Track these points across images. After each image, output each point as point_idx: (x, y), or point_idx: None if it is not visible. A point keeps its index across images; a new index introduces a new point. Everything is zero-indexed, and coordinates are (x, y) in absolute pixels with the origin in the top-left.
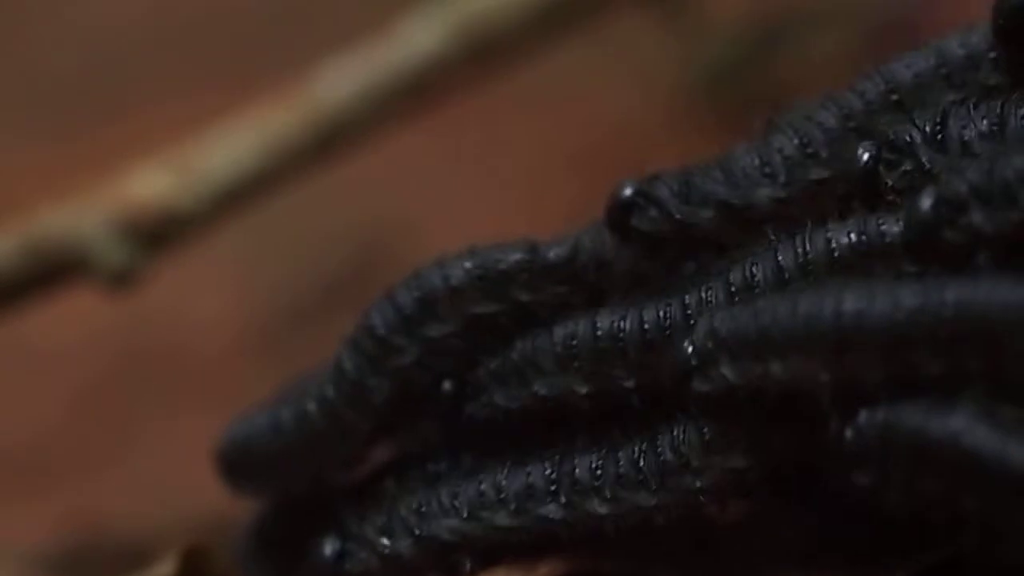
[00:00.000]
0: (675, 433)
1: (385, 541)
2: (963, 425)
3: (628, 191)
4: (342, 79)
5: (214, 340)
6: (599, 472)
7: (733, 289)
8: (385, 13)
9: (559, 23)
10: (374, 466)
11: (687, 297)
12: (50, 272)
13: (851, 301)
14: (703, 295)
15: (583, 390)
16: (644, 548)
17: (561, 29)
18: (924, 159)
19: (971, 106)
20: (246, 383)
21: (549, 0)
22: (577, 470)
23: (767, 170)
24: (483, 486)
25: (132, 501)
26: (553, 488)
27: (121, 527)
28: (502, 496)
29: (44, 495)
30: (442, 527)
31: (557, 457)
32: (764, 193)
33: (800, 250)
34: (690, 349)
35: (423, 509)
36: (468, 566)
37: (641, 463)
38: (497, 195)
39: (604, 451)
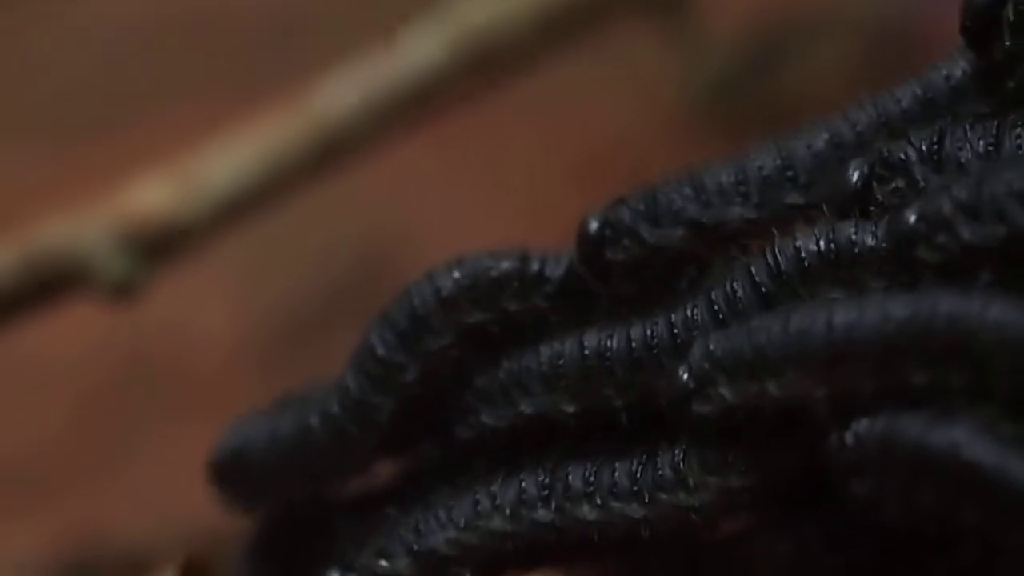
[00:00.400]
0: (675, 452)
1: (383, 563)
2: (964, 437)
3: (595, 225)
4: (344, 91)
5: (215, 351)
6: (592, 479)
7: (716, 307)
8: (387, 25)
9: (560, 35)
10: (374, 490)
11: (673, 316)
12: (51, 284)
13: (841, 314)
14: (688, 313)
15: (570, 409)
16: (638, 560)
17: (562, 41)
18: (919, 177)
19: (967, 127)
20: (247, 394)
21: (550, 12)
22: (570, 477)
23: (742, 189)
24: (478, 496)
25: (132, 513)
26: (545, 494)
27: (121, 539)
28: (497, 503)
29: (44, 507)
30: (439, 540)
31: (551, 466)
32: (736, 212)
33: (772, 263)
34: (686, 373)
35: (420, 527)
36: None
37: (638, 475)
38: (499, 206)
39: (600, 461)
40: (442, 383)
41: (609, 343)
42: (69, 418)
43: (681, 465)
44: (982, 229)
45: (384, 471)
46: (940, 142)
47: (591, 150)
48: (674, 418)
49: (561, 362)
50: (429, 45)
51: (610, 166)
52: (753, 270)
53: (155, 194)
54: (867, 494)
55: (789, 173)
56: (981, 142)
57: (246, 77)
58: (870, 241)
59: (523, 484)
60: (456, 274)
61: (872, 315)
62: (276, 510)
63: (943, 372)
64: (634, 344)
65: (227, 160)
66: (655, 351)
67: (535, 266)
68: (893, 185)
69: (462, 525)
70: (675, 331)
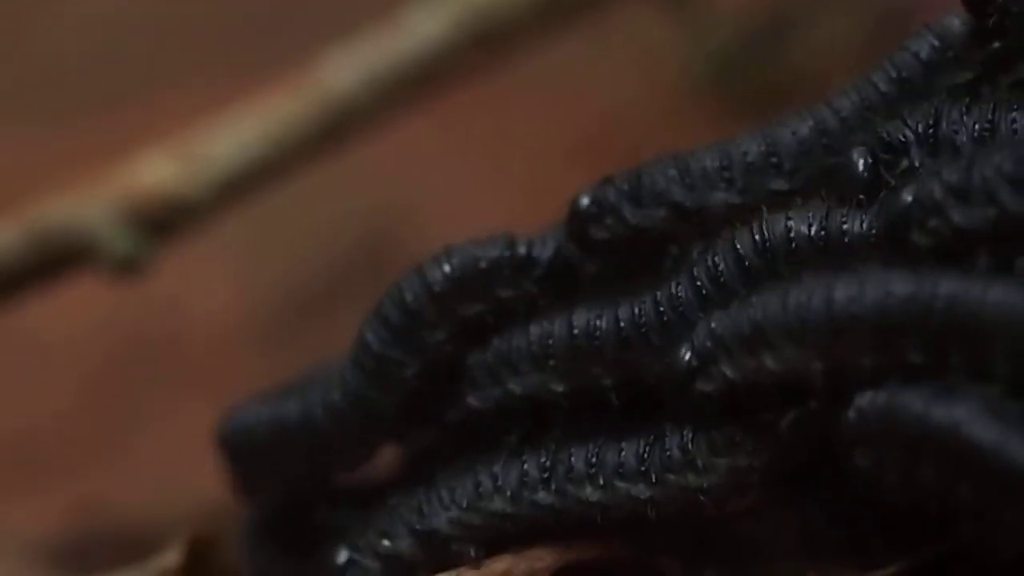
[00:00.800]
0: (684, 433)
1: (385, 543)
2: (965, 415)
3: (585, 201)
4: (347, 67)
5: (219, 328)
6: (595, 461)
7: (699, 283)
8: (390, 2)
9: (564, 11)
10: (378, 473)
11: (658, 294)
12: (54, 261)
13: (842, 289)
14: (673, 290)
15: (560, 388)
16: (644, 538)
17: (565, 18)
18: (916, 159)
19: (963, 109)
20: (251, 371)
21: None
22: (573, 458)
23: (726, 174)
24: (480, 477)
25: (137, 490)
26: (546, 476)
27: (126, 516)
28: (499, 484)
29: (49, 485)
30: (441, 520)
31: (553, 446)
32: (719, 197)
33: (759, 238)
34: (689, 352)
35: (423, 508)
36: (472, 553)
37: (645, 456)
38: (502, 183)
39: (602, 442)
40: (441, 373)
41: (598, 323)
42: (72, 396)
43: (690, 446)
44: (972, 212)
45: (387, 453)
46: (936, 124)
47: (594, 127)
48: (677, 398)
49: (550, 342)
50: (432, 22)
51: (613, 143)
52: (738, 244)
53: (159, 171)
54: (869, 467)
55: (773, 159)
56: (976, 125)
57: (250, 54)
58: (862, 227)
59: (525, 466)
60: (446, 267)
61: (873, 291)
62: (281, 492)
63: (943, 351)
64: (622, 323)
65: (231, 137)
66: (643, 330)
67: (523, 250)
68: (902, 167)
69: (464, 506)
70: (661, 309)
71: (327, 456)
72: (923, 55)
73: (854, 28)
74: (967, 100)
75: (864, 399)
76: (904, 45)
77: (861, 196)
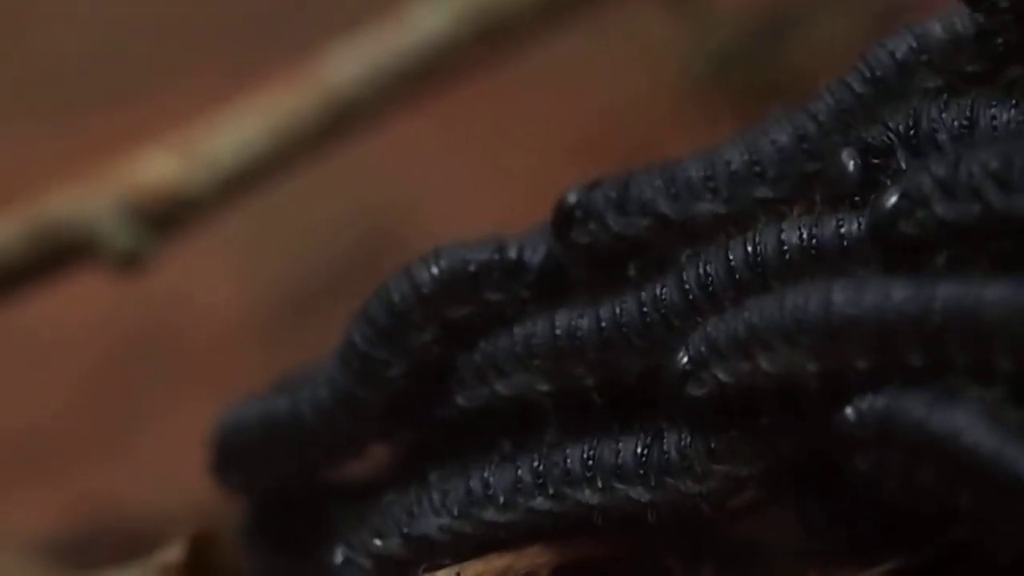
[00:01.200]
0: (681, 436)
1: (377, 542)
2: (964, 422)
3: (571, 200)
4: (349, 62)
5: (220, 324)
6: (591, 463)
7: (687, 287)
8: None
9: (565, 7)
10: (372, 470)
11: (643, 295)
12: (56, 256)
13: (840, 292)
14: (658, 292)
15: (544, 388)
16: (644, 536)
17: (568, 14)
18: (902, 162)
19: (942, 106)
20: (252, 367)
21: None
22: (568, 460)
23: (711, 184)
24: (471, 483)
25: (138, 486)
26: (541, 481)
27: (128, 513)
28: (490, 492)
29: (49, 481)
30: (432, 526)
31: (545, 449)
32: (705, 208)
33: (751, 249)
34: (685, 356)
35: (414, 510)
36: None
37: (643, 458)
38: (503, 180)
39: (598, 440)
40: (428, 373)
41: (579, 322)
42: (73, 392)
43: (687, 450)
44: (957, 207)
45: (381, 451)
46: (916, 124)
47: (595, 124)
48: (671, 402)
49: (533, 342)
50: (434, 18)
51: (614, 140)
52: (730, 255)
53: (161, 166)
54: (868, 470)
55: (756, 168)
56: (956, 122)
57: (251, 50)
58: (859, 228)
59: (519, 471)
60: (434, 269)
61: (872, 294)
62: (274, 490)
63: (943, 352)
64: (603, 323)
65: (233, 133)
66: (624, 330)
67: (513, 254)
68: (891, 168)
69: (455, 513)
70: (644, 310)
71: (315, 453)
72: (899, 55)
73: (854, 28)
74: (944, 97)
75: (864, 402)
76: (881, 43)
77: (856, 198)
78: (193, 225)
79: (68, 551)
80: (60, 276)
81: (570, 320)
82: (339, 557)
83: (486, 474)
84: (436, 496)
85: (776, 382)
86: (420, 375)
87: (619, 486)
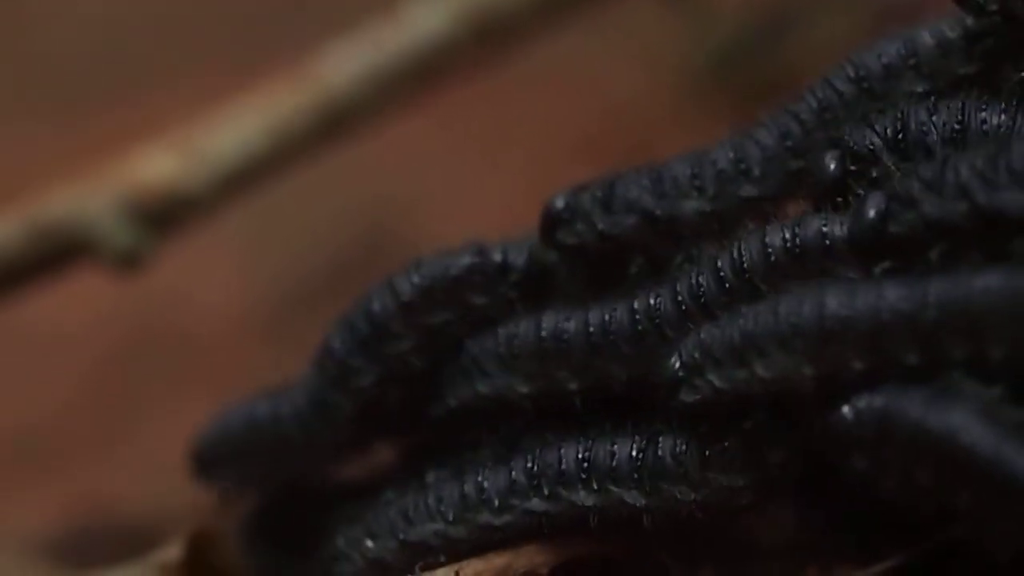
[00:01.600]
0: (677, 441)
1: (369, 544)
2: (962, 421)
3: (558, 204)
4: (348, 61)
5: (219, 322)
6: (586, 464)
7: (680, 299)
8: None
9: (564, 6)
10: (369, 470)
11: (636, 303)
12: (56, 254)
13: (833, 296)
14: (652, 302)
15: (524, 389)
16: (641, 537)
17: (567, 12)
18: (889, 165)
19: (930, 109)
20: (252, 365)
21: None
22: (563, 461)
23: (697, 182)
24: (466, 487)
25: (138, 484)
26: (535, 482)
27: (127, 511)
28: (484, 496)
29: (49, 480)
30: (427, 532)
31: (538, 450)
32: (691, 206)
33: (737, 257)
34: (678, 362)
35: (410, 513)
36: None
37: (638, 460)
38: (502, 178)
39: (592, 441)
40: (406, 381)
41: (566, 326)
42: (73, 390)
43: (683, 457)
44: (944, 205)
45: (381, 450)
46: (904, 128)
47: (595, 122)
48: (665, 408)
49: (517, 343)
50: (433, 17)
51: (614, 138)
52: (719, 263)
53: (160, 165)
54: (866, 469)
55: (742, 166)
56: (946, 126)
57: (251, 48)
58: (842, 230)
59: (512, 474)
60: (415, 278)
61: (865, 296)
62: (270, 490)
63: (938, 348)
64: (591, 329)
65: (232, 131)
66: (612, 337)
67: (497, 257)
68: (871, 175)
69: (450, 519)
70: (637, 318)
71: (293, 456)
72: (885, 58)
73: (854, 27)
74: (932, 101)
75: (861, 402)
76: (868, 45)
77: (838, 199)
78: (193, 224)
79: (67, 550)
80: (60, 275)
81: (556, 323)
82: (337, 555)
83: (480, 477)
84: (432, 500)
85: (771, 388)
86: (395, 384)
87: (614, 489)
